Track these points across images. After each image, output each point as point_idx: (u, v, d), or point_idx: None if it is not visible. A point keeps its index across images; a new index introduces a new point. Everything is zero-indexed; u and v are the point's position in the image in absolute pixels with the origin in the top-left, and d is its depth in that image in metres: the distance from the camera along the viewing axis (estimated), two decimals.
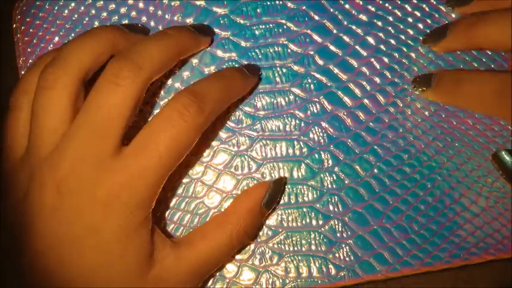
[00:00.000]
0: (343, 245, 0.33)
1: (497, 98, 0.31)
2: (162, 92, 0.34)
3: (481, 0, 0.33)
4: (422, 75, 0.34)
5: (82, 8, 0.35)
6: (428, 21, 0.35)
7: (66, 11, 0.35)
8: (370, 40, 0.34)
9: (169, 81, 0.34)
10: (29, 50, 0.35)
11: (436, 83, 0.33)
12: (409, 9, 0.35)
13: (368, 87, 0.34)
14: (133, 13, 0.35)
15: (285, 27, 0.35)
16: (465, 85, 0.32)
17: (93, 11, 0.35)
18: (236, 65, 0.34)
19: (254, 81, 0.34)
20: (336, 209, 0.33)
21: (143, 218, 0.28)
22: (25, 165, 0.29)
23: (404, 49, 0.34)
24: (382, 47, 0.34)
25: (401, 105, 0.34)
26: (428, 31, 0.34)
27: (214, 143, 0.34)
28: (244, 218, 0.31)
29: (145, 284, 0.28)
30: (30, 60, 0.35)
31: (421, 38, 0.34)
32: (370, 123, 0.34)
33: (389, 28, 0.35)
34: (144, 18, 0.35)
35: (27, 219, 0.28)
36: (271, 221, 0.33)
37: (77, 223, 0.28)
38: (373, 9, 0.35)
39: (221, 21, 0.35)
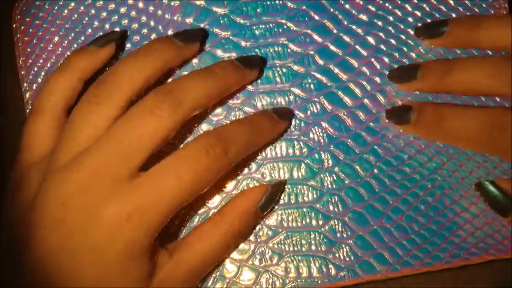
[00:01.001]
0: (343, 245, 0.33)
1: (483, 136, 0.31)
2: None
3: (453, 32, 0.33)
4: (398, 107, 0.33)
5: (82, 7, 0.35)
6: (429, 20, 0.34)
7: (65, 11, 0.35)
8: (371, 40, 0.34)
9: (170, 81, 0.34)
10: (28, 49, 0.35)
11: (417, 118, 0.32)
12: (410, 9, 0.35)
13: (368, 87, 0.34)
14: (133, 13, 0.35)
15: (285, 27, 0.35)
16: (448, 123, 0.31)
17: (93, 11, 0.35)
18: None
19: (284, 125, 0.33)
20: (336, 209, 0.33)
21: (149, 243, 0.28)
22: (41, 169, 0.29)
23: (405, 49, 0.34)
24: (382, 46, 0.34)
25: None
26: (397, 66, 0.34)
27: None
28: (239, 219, 0.31)
29: None
30: (29, 60, 0.35)
31: (386, 73, 0.34)
32: (370, 123, 0.34)
33: (390, 28, 0.35)
34: (143, 18, 0.35)
35: (31, 224, 0.28)
36: (271, 221, 0.33)
37: (78, 238, 0.27)
38: (373, 9, 0.35)
39: (221, 21, 0.35)
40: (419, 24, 0.34)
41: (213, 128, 0.30)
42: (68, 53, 0.35)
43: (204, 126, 0.34)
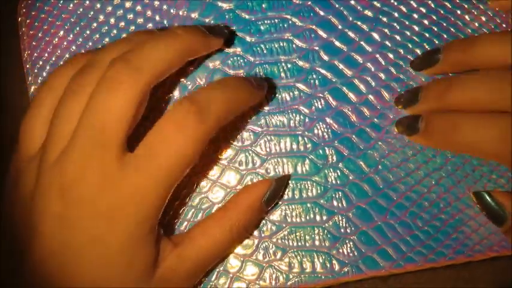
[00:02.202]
0: (347, 241, 0.33)
1: (497, 145, 0.30)
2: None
3: (448, 58, 0.33)
4: (406, 117, 0.33)
5: (87, 1, 0.35)
6: (434, 17, 0.35)
7: (71, 5, 0.35)
8: (375, 36, 0.34)
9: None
10: (34, 43, 0.35)
11: (426, 128, 0.32)
12: (415, 5, 0.35)
13: (373, 83, 0.34)
14: (139, 7, 0.35)
15: (290, 22, 0.35)
16: (461, 132, 0.31)
17: (98, 5, 0.35)
18: (241, 61, 0.34)
19: (261, 94, 0.32)
20: (340, 205, 0.33)
21: (149, 229, 0.28)
22: (36, 164, 0.29)
23: (410, 45, 0.34)
24: (387, 43, 0.34)
25: None
26: (402, 93, 0.34)
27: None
28: (244, 214, 0.31)
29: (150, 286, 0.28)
30: (35, 54, 0.35)
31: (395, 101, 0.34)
32: (375, 119, 0.34)
33: (395, 24, 0.35)
34: (149, 13, 0.35)
35: (32, 223, 0.28)
36: (275, 216, 0.33)
37: (80, 232, 0.27)
38: (378, 5, 0.35)
39: (226, 16, 0.35)
40: (413, 58, 0.34)
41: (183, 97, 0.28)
42: (73, 47, 0.35)
43: None
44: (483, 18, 0.34)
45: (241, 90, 0.31)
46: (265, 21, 0.35)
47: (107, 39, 0.35)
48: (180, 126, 0.27)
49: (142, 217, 0.27)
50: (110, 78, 0.27)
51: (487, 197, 0.31)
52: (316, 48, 0.34)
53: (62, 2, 0.35)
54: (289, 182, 0.33)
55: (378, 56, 0.34)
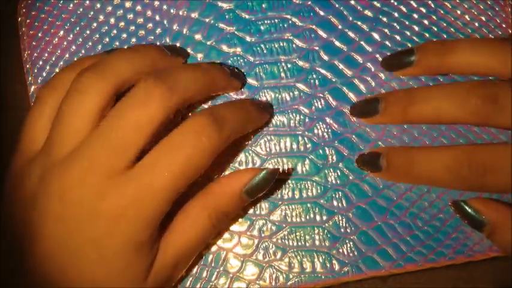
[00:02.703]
0: (347, 241, 0.33)
1: (450, 175, 0.30)
2: None
3: (422, 61, 0.32)
4: (368, 155, 0.33)
5: (87, 1, 0.35)
6: (434, 17, 0.35)
7: (71, 5, 0.35)
8: (375, 36, 0.34)
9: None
10: (34, 43, 0.35)
11: (386, 165, 0.32)
12: (415, 5, 0.35)
13: (373, 83, 0.34)
14: (139, 7, 0.35)
15: (290, 22, 0.35)
16: (417, 166, 0.31)
17: (98, 5, 0.35)
18: (241, 60, 0.34)
19: (267, 117, 0.33)
20: (340, 205, 0.33)
21: (148, 236, 0.28)
22: (38, 164, 0.29)
23: (409, 45, 0.34)
24: (387, 43, 0.34)
25: None
26: (358, 102, 0.34)
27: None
28: (223, 200, 0.30)
29: (146, 285, 0.29)
30: (35, 54, 0.35)
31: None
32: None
33: (395, 24, 0.35)
34: (149, 13, 0.35)
35: (32, 224, 0.28)
36: (275, 216, 0.33)
37: (78, 235, 0.27)
38: (378, 5, 0.35)
39: (226, 16, 0.35)
40: (383, 57, 0.34)
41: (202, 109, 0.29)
42: (73, 47, 0.35)
43: None
44: (483, 18, 0.34)
45: (252, 109, 0.32)
46: (265, 21, 0.35)
47: (106, 39, 0.35)
48: (199, 135, 0.28)
49: (142, 224, 0.27)
50: (143, 92, 0.28)
51: (464, 206, 0.31)
52: (316, 48, 0.34)
53: (62, 2, 0.35)
54: (289, 181, 0.33)
55: (378, 56, 0.34)
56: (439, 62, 0.32)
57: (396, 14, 0.35)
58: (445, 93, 0.31)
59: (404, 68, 0.33)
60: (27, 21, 0.36)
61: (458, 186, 0.31)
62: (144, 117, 0.27)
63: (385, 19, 0.35)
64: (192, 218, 0.30)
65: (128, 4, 0.35)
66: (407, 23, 0.35)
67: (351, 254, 0.32)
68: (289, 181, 0.33)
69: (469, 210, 0.31)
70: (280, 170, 0.33)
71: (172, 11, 0.35)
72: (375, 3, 0.35)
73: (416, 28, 0.34)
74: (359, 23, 0.35)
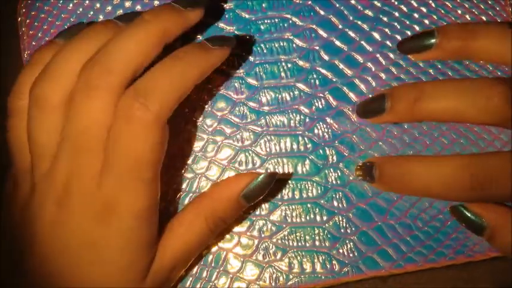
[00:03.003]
0: (347, 241, 0.33)
1: (449, 189, 0.30)
2: None
3: (443, 45, 0.31)
4: (362, 165, 0.32)
5: (87, 1, 0.35)
6: (434, 17, 0.34)
7: (71, 5, 0.35)
8: (376, 35, 0.34)
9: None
10: (33, 43, 0.35)
11: (379, 176, 0.31)
12: (415, 4, 0.34)
13: (373, 83, 0.34)
14: (138, 7, 0.35)
15: (290, 22, 0.35)
16: (412, 178, 0.30)
17: (98, 5, 0.35)
18: (241, 60, 0.34)
19: (222, 52, 0.30)
20: (340, 205, 0.33)
21: (144, 225, 0.28)
22: (28, 177, 0.29)
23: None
24: (387, 42, 0.34)
25: None
26: (363, 101, 0.33)
27: (218, 138, 0.34)
28: (220, 205, 0.30)
29: (145, 285, 0.29)
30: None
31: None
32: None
33: (395, 24, 0.34)
34: None
35: (29, 231, 0.28)
36: (275, 216, 0.33)
37: (75, 238, 0.27)
38: (379, 4, 0.35)
39: (226, 16, 0.35)
40: (402, 39, 0.33)
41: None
42: None
43: (209, 122, 0.34)
44: (483, 18, 0.34)
45: (192, 57, 0.29)
46: (266, 21, 0.35)
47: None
48: (128, 120, 0.26)
49: (136, 212, 0.27)
50: (83, 84, 0.27)
51: (463, 210, 0.31)
52: (317, 47, 0.34)
53: (61, 2, 0.35)
54: (289, 182, 0.33)
55: (378, 55, 0.34)
56: (461, 47, 0.31)
57: (397, 14, 0.34)
58: (462, 90, 0.29)
59: (424, 51, 0.32)
60: (27, 21, 0.35)
61: (457, 199, 0.31)
62: (94, 112, 0.27)
63: (385, 19, 0.34)
64: (188, 222, 0.30)
65: (127, 4, 0.35)
66: (408, 22, 0.34)
67: (351, 255, 0.32)
68: (290, 181, 0.33)
69: (469, 215, 0.31)
70: (280, 171, 0.33)
71: None
72: (376, 2, 0.35)
73: (417, 28, 0.34)
74: (359, 22, 0.34)
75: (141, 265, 0.28)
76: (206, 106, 0.34)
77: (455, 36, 0.31)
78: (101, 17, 0.35)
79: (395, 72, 0.34)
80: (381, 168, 0.31)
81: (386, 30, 0.34)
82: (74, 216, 0.27)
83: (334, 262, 0.32)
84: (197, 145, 0.34)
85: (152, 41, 0.28)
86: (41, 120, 0.28)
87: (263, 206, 0.33)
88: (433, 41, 0.32)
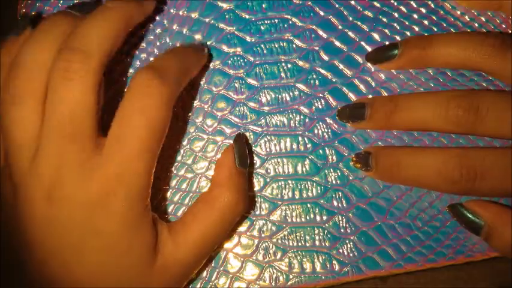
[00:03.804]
0: (347, 241, 0.33)
1: (440, 179, 0.30)
2: None
3: (405, 54, 0.33)
4: (359, 155, 0.33)
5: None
6: (434, 17, 0.34)
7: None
8: (375, 36, 0.34)
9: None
10: None
11: (375, 166, 0.32)
12: (415, 5, 0.35)
13: (373, 84, 0.34)
14: None
15: (290, 22, 0.35)
16: (404, 168, 0.31)
17: None
18: (241, 60, 0.34)
19: (204, 56, 0.33)
20: (340, 205, 0.33)
21: (143, 208, 0.28)
22: (7, 175, 0.29)
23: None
24: (387, 43, 0.34)
25: None
26: (346, 106, 0.34)
27: (218, 138, 0.34)
28: (227, 186, 0.30)
29: (152, 275, 0.28)
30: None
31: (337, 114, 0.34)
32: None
33: (395, 24, 0.34)
34: None
35: (22, 232, 0.28)
36: (275, 216, 0.33)
37: (75, 229, 0.27)
38: (378, 5, 0.35)
39: (226, 16, 0.35)
40: (369, 50, 0.34)
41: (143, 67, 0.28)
42: None
43: (209, 122, 0.34)
44: (483, 19, 0.34)
45: (189, 52, 0.32)
46: (266, 21, 0.35)
47: None
48: (146, 93, 0.27)
49: (133, 197, 0.27)
50: (62, 69, 0.27)
51: (461, 209, 0.31)
52: (316, 48, 0.34)
53: (62, 2, 0.35)
54: (289, 181, 0.33)
55: None
56: (420, 55, 0.32)
57: (396, 15, 0.35)
58: (427, 102, 0.31)
59: (389, 60, 0.33)
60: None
61: (447, 190, 0.31)
62: (76, 96, 0.27)
63: (385, 19, 0.35)
64: (203, 216, 0.30)
65: None
66: (407, 23, 0.34)
67: (351, 254, 0.32)
68: (289, 181, 0.33)
69: (466, 213, 0.31)
70: (280, 171, 0.33)
71: (172, 10, 0.35)
72: (375, 3, 0.35)
73: (416, 28, 0.34)
74: (359, 23, 0.35)
75: (143, 245, 0.28)
76: (206, 106, 0.34)
77: (415, 45, 0.33)
78: None
79: (394, 73, 0.34)
80: (377, 158, 0.32)
81: (386, 30, 0.34)
82: (68, 211, 0.27)
83: (334, 262, 0.32)
84: (197, 145, 0.34)
85: (118, 26, 0.29)
86: (18, 117, 0.28)
87: (263, 206, 0.33)
88: (396, 51, 0.33)
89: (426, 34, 0.34)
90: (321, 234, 0.33)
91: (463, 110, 0.30)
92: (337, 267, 0.32)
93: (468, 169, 0.30)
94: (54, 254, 0.28)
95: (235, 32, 0.35)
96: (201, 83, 0.34)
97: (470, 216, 0.31)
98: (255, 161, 0.34)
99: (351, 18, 0.35)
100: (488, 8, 0.34)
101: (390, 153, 0.32)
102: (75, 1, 0.35)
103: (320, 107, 0.34)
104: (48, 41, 0.29)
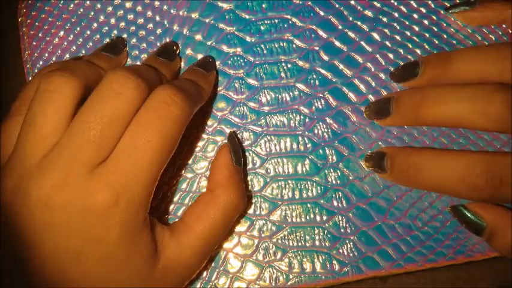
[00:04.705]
0: (347, 241, 0.33)
1: (457, 185, 0.30)
2: None
3: (427, 72, 0.32)
4: (375, 153, 0.33)
5: (87, 2, 0.35)
6: (434, 17, 0.34)
7: (71, 5, 0.35)
8: (375, 36, 0.34)
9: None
10: (34, 43, 0.35)
11: (390, 168, 0.32)
12: (415, 5, 0.35)
13: (373, 83, 0.34)
14: (139, 7, 0.35)
15: (290, 22, 0.35)
16: (423, 174, 0.31)
17: (99, 5, 0.35)
18: (241, 61, 0.34)
19: (213, 77, 0.34)
20: (340, 205, 0.33)
21: (142, 219, 0.28)
22: (9, 174, 0.28)
23: (410, 45, 0.34)
24: (387, 43, 0.34)
25: None
26: (371, 103, 0.34)
27: (218, 138, 0.34)
28: (228, 186, 0.30)
29: (154, 280, 0.28)
30: (35, 54, 0.35)
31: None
32: (375, 120, 0.34)
33: (395, 24, 0.34)
34: (149, 13, 0.35)
35: (21, 234, 0.27)
36: (275, 216, 0.33)
37: (75, 237, 0.27)
38: (378, 5, 0.35)
39: (226, 16, 0.35)
40: (394, 69, 0.34)
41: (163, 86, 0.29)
42: (74, 47, 0.35)
43: (209, 122, 0.34)
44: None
45: (200, 77, 0.33)
46: (266, 22, 0.35)
47: (107, 40, 0.35)
48: (168, 106, 0.28)
49: (135, 207, 0.27)
50: (115, 83, 0.28)
51: (463, 210, 0.31)
52: (316, 48, 0.34)
53: (62, 2, 0.35)
54: (289, 181, 0.33)
55: (378, 56, 0.34)
56: (441, 73, 0.32)
57: (396, 14, 0.35)
58: (464, 97, 0.30)
59: (412, 79, 0.33)
60: (28, 21, 0.36)
61: (469, 197, 0.31)
62: (120, 108, 0.27)
63: (385, 19, 0.35)
64: (205, 216, 0.30)
65: (128, 4, 0.35)
66: (407, 23, 0.34)
67: (351, 254, 0.32)
68: (290, 181, 0.33)
69: (469, 215, 0.31)
70: (280, 171, 0.33)
71: (172, 11, 0.35)
72: (375, 3, 0.35)
73: (416, 28, 0.34)
74: (359, 23, 0.35)
75: (142, 255, 0.28)
76: (206, 106, 0.34)
77: (435, 64, 0.32)
78: (102, 18, 0.35)
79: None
80: (393, 160, 0.32)
81: (386, 30, 0.34)
82: (67, 215, 0.27)
83: (334, 262, 0.32)
84: (197, 145, 0.34)
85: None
86: (51, 107, 0.28)
87: (263, 206, 0.33)
88: (418, 70, 0.33)
89: (445, 52, 0.34)
90: (321, 234, 0.33)
91: (504, 106, 0.29)
92: (337, 267, 0.32)
93: (493, 175, 0.29)
94: (54, 260, 0.27)
95: (235, 32, 0.35)
96: None
97: (472, 217, 0.31)
98: (255, 161, 0.34)
99: (351, 18, 0.35)
100: (487, 23, 0.34)
101: (408, 155, 0.32)
102: (76, 1, 0.35)
103: (320, 107, 0.34)
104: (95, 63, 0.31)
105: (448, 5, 0.34)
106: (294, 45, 0.34)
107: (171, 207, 0.33)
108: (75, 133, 0.27)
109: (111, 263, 0.27)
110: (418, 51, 0.34)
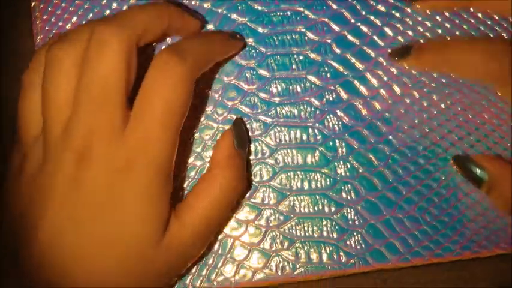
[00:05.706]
0: (355, 233, 0.33)
1: (486, 62, 0.32)
2: None
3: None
4: (399, 46, 0.34)
5: None
6: (446, 13, 0.35)
7: None
8: (388, 31, 0.34)
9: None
10: (46, 28, 0.35)
11: (417, 50, 0.33)
12: None
13: (385, 78, 0.34)
14: None
15: (303, 15, 0.35)
16: (452, 52, 0.33)
17: None
18: (253, 51, 0.34)
19: (237, 44, 0.34)
20: (348, 197, 0.33)
21: (165, 180, 0.28)
22: (40, 144, 0.29)
23: (422, 41, 0.34)
24: (399, 38, 0.34)
25: (417, 96, 0.34)
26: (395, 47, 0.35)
27: (228, 127, 0.34)
28: (226, 166, 0.31)
29: (159, 253, 0.28)
30: (47, 39, 0.35)
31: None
32: (386, 114, 0.34)
33: (407, 19, 0.35)
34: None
35: (40, 197, 0.28)
36: (283, 206, 0.33)
37: (98, 193, 0.28)
38: (391, 0, 0.35)
39: (239, 7, 0.35)
40: (381, 45, 0.35)
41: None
42: None
43: (220, 111, 0.34)
44: (495, 17, 0.34)
45: (216, 36, 0.33)
46: (278, 13, 0.35)
47: None
48: (163, 71, 0.28)
49: (155, 166, 0.28)
50: (96, 41, 0.28)
51: (466, 160, 0.32)
52: (329, 41, 0.34)
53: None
54: (298, 172, 0.33)
55: (390, 50, 0.34)
56: (435, 58, 0.34)
57: (409, 9, 0.35)
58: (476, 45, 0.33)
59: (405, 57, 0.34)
60: (41, 6, 0.36)
61: (489, 77, 0.33)
62: (107, 68, 0.28)
63: (398, 14, 0.35)
64: (205, 195, 0.30)
65: None
66: (420, 18, 0.35)
67: (358, 246, 0.32)
68: (299, 172, 0.33)
69: (471, 165, 0.32)
70: (289, 162, 0.33)
71: (185, 0, 0.35)
72: None
73: (428, 24, 0.34)
74: (372, 17, 0.35)
75: (158, 221, 0.28)
76: (217, 95, 0.34)
77: (429, 48, 0.34)
78: (115, 5, 0.35)
79: (406, 67, 0.34)
80: (421, 44, 0.34)
81: (399, 25, 0.35)
82: (95, 173, 0.27)
83: (341, 253, 0.32)
84: (207, 133, 0.34)
85: (158, 17, 0.30)
86: (56, 80, 0.29)
87: (271, 195, 0.33)
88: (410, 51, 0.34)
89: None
90: (329, 225, 0.33)
91: None
92: (343, 259, 0.32)
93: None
94: (70, 216, 0.28)
95: (248, 23, 0.35)
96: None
97: (474, 167, 0.32)
98: (264, 151, 0.34)
99: (363, 13, 0.35)
100: (453, 6, 0.35)
101: (437, 40, 0.34)
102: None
103: (331, 99, 0.34)
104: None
105: None
106: (306, 38, 0.34)
107: (180, 193, 0.33)
108: (79, 101, 0.28)
109: (127, 221, 0.28)
110: None
